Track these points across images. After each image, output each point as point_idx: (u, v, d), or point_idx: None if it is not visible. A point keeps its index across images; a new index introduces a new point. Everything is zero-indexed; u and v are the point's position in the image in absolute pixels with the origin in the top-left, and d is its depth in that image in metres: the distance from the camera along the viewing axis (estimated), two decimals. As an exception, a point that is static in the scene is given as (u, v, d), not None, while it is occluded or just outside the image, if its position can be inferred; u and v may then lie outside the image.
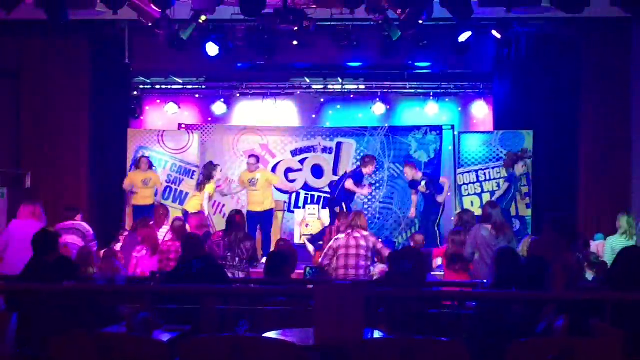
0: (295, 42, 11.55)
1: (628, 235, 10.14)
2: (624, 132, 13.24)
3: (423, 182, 13.71)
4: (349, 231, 9.99)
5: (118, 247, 11.34)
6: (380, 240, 10.55)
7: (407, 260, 6.32)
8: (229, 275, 9.31)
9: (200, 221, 11.51)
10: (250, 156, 14.38)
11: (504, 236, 9.54)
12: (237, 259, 9.68)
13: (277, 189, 14.95)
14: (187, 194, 14.52)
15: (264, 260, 12.03)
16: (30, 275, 7.12)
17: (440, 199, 13.75)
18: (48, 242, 7.48)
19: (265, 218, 13.86)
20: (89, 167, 14.31)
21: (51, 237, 7.61)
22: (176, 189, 14.52)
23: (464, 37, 12.06)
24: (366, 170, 13.68)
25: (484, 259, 9.39)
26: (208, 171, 13.78)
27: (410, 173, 13.87)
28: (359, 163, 14.17)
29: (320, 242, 12.52)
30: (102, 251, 10.89)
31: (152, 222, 11.59)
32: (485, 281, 8.29)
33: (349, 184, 13.43)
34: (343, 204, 13.27)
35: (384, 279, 6.38)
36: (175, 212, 13.47)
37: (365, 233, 9.97)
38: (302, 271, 10.55)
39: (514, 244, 9.56)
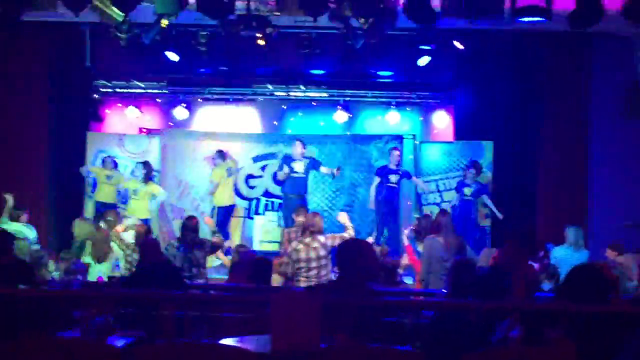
0: (255, 48, 11.53)
1: (576, 246, 10.26)
2: (583, 144, 13.43)
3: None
4: (307, 240, 9.75)
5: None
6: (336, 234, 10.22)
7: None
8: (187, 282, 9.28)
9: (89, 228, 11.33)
10: (217, 151, 14.60)
11: (455, 247, 9.53)
12: (193, 269, 9.61)
13: (237, 194, 14.94)
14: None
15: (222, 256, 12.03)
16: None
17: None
18: (2, 244, 7.37)
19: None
20: (47, 170, 14.21)
21: (6, 239, 7.50)
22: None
23: (423, 61, 12.23)
24: (294, 152, 13.78)
25: (436, 271, 9.39)
26: (148, 171, 13.72)
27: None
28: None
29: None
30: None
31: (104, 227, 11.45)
32: (444, 290, 8.32)
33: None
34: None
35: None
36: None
37: (322, 239, 9.71)
38: None
39: (466, 253, 9.58)
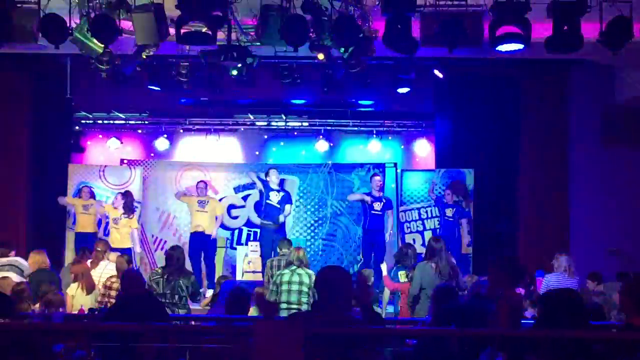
0: (236, 78, 11.55)
1: (568, 274, 10.23)
2: (563, 172, 13.52)
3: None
4: (293, 267, 9.93)
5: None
6: None
7: None
8: (169, 312, 9.23)
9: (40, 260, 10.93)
10: (199, 182, 14.34)
11: (447, 273, 9.55)
12: (176, 296, 9.57)
13: (220, 224, 14.94)
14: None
15: (209, 293, 11.99)
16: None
17: (386, 235, 13.75)
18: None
19: (210, 245, 13.77)
20: (28, 202, 14.14)
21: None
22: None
23: (403, 90, 12.34)
24: (270, 181, 13.70)
25: (427, 297, 9.41)
26: (128, 201, 13.63)
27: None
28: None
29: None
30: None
31: (89, 259, 11.35)
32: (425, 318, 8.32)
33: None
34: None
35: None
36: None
37: (309, 271, 9.91)
38: None
39: (459, 281, 9.60)
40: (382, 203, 13.71)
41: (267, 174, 13.72)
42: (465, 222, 13.99)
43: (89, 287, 10.55)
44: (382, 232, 13.72)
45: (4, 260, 10.81)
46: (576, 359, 4.82)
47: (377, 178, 13.92)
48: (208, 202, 13.87)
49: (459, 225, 13.91)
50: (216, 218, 14.00)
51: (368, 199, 13.64)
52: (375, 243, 13.57)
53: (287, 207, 13.68)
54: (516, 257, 10.18)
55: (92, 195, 14.16)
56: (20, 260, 11.02)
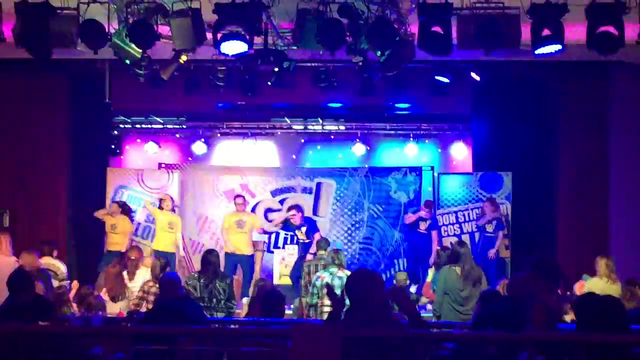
0: (271, 83, 11.58)
1: (610, 280, 10.07)
2: (602, 174, 13.36)
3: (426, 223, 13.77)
4: (332, 269, 9.94)
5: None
6: None
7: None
8: (208, 315, 9.28)
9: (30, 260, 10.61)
10: (236, 196, 14.25)
11: (472, 279, 9.50)
12: (214, 299, 9.62)
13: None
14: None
15: (244, 300, 12.00)
16: (5, 315, 7.04)
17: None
18: (23, 282, 7.39)
19: (249, 261, 13.63)
20: (68, 206, 14.28)
21: (26, 277, 7.52)
22: (154, 228, 14.30)
23: (442, 79, 12.23)
24: (292, 221, 13.64)
25: (450, 302, 9.37)
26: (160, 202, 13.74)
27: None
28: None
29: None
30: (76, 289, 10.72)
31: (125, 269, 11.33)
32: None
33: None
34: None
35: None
36: (150, 251, 13.50)
37: (348, 272, 9.89)
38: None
39: (483, 284, 9.56)
40: (426, 223, 13.72)
41: (288, 211, 13.73)
42: (501, 234, 13.81)
43: (113, 295, 10.59)
44: (428, 250, 13.64)
45: (43, 261, 10.92)
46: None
47: (427, 208, 13.96)
48: (246, 221, 13.73)
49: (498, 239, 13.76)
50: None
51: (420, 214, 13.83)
52: (421, 257, 13.60)
53: (317, 235, 13.44)
54: (555, 260, 10.06)
55: (123, 210, 14.05)
56: (57, 263, 11.14)
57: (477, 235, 14.00)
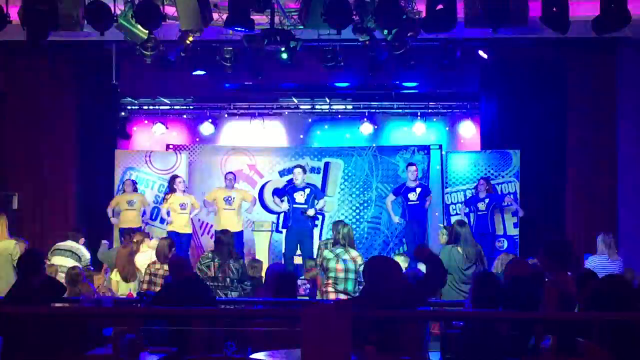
0: (279, 62, 11.53)
1: (610, 257, 10.08)
2: (611, 151, 13.33)
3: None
4: (338, 252, 9.83)
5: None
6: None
7: None
8: (222, 295, 9.32)
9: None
10: (227, 173, 14.25)
11: (473, 256, 9.51)
12: (227, 279, 9.65)
13: (264, 208, 15.00)
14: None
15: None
16: (16, 297, 7.07)
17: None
18: (33, 263, 7.40)
19: (237, 237, 13.11)
20: (76, 188, 14.34)
21: (37, 258, 7.53)
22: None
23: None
24: (295, 180, 13.60)
25: (453, 281, 9.37)
26: (170, 183, 13.75)
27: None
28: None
29: None
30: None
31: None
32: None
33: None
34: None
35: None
36: (161, 232, 13.53)
37: (354, 254, 9.80)
38: None
39: (484, 264, 9.58)
40: (416, 193, 13.64)
41: (292, 172, 13.70)
42: (509, 200, 13.82)
43: (124, 275, 10.64)
44: (421, 222, 13.65)
45: (67, 244, 10.96)
46: (627, 340, 4.77)
47: (412, 168, 13.81)
48: (234, 198, 13.69)
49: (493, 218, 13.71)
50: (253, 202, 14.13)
51: (392, 198, 13.94)
52: (416, 233, 13.55)
53: (321, 202, 13.57)
54: (567, 240, 10.03)
55: (135, 188, 14.28)
56: (82, 249, 11.16)
57: (472, 215, 13.91)
